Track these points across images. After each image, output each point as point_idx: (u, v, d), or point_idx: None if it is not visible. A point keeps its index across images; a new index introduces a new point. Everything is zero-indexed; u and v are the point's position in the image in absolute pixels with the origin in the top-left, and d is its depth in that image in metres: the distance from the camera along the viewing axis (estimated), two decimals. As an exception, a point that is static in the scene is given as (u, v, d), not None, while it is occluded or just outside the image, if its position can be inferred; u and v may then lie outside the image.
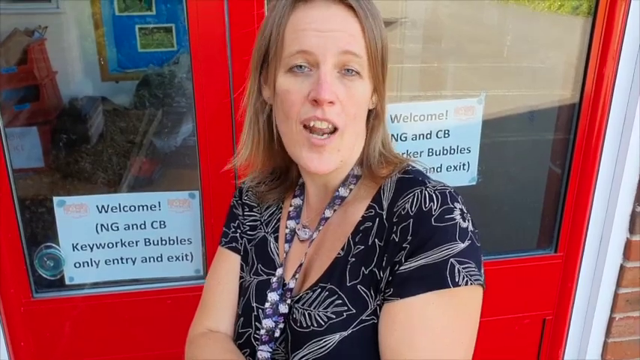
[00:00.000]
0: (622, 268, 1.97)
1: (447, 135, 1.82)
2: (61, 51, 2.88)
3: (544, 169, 2.08)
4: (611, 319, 2.03)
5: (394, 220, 0.92)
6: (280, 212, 1.13)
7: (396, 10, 2.24)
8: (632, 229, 1.92)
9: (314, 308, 0.95)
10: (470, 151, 1.85)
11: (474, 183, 1.89)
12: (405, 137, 1.78)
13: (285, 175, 1.13)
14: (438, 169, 1.84)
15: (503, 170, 2.19)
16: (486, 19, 2.39)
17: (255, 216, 1.16)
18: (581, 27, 1.87)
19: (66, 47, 2.92)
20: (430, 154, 1.82)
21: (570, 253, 2.00)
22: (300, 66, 0.92)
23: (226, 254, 1.16)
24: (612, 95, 1.82)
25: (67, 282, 1.72)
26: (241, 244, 1.15)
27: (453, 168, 1.86)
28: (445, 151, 1.84)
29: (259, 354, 1.00)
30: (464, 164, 1.86)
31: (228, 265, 1.14)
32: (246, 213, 1.17)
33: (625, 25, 1.75)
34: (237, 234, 1.16)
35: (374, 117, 1.02)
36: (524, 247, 2.05)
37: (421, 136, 1.81)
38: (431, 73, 2.29)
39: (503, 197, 2.20)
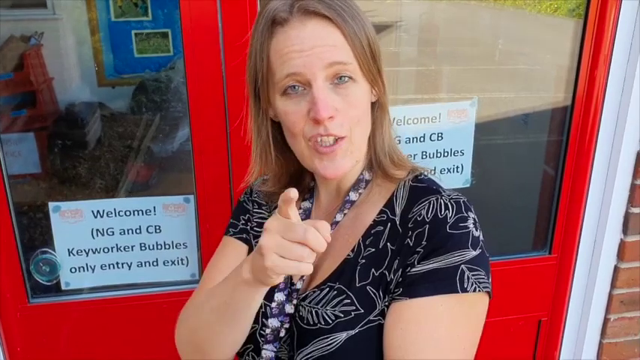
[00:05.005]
0: (616, 269, 1.98)
1: (440, 138, 1.83)
2: (57, 57, 2.89)
3: (538, 171, 2.09)
4: (606, 320, 2.04)
5: (409, 226, 0.94)
6: None
7: (391, 13, 2.25)
8: (625, 230, 1.93)
9: (321, 306, 0.96)
10: (463, 153, 1.86)
11: (468, 185, 1.90)
12: (399, 140, 1.78)
13: (298, 181, 1.13)
14: (432, 172, 1.84)
15: (497, 172, 2.19)
16: (482, 23, 2.41)
17: (264, 214, 1.16)
18: (575, 30, 1.88)
19: (62, 53, 2.92)
20: (424, 156, 1.83)
21: (565, 255, 2.01)
22: (294, 86, 0.93)
23: (235, 243, 1.14)
24: (604, 97, 1.83)
25: (63, 287, 1.72)
26: (250, 237, 1.15)
27: (446, 170, 1.87)
28: (439, 154, 1.85)
29: (264, 353, 1.01)
30: (457, 167, 1.88)
31: (237, 253, 1.13)
32: (255, 210, 1.18)
33: (616, 27, 1.76)
34: (247, 227, 1.16)
35: (377, 108, 1.03)
36: (518, 249, 2.06)
37: (415, 139, 1.82)
38: (426, 76, 2.30)
39: (498, 199, 2.21)
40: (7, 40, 2.61)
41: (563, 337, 2.10)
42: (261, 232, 1.11)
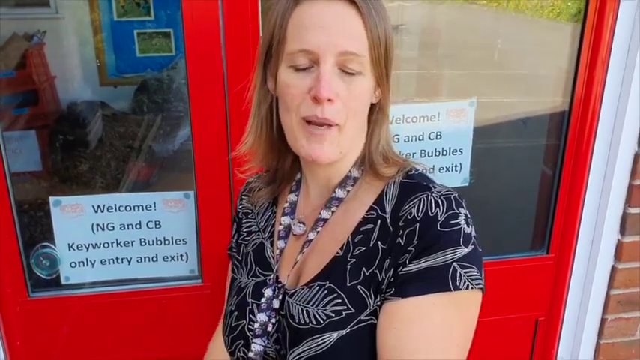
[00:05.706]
0: (613, 269, 1.98)
1: (439, 137, 1.84)
2: (59, 56, 2.90)
3: (536, 172, 2.10)
4: (602, 320, 2.04)
5: (400, 225, 0.93)
6: (275, 217, 1.15)
7: (394, 16, 2.26)
8: (623, 231, 1.94)
9: (312, 305, 0.96)
10: (462, 152, 1.87)
11: (467, 184, 1.91)
12: (398, 139, 1.80)
13: (275, 175, 1.14)
14: (430, 171, 1.86)
15: (497, 173, 2.20)
16: (484, 27, 2.42)
17: (251, 222, 1.19)
18: (574, 33, 1.89)
19: (65, 52, 2.93)
20: (422, 155, 1.84)
21: (562, 255, 2.01)
22: (303, 63, 0.93)
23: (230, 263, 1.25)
24: (602, 98, 1.84)
25: (63, 281, 1.73)
26: (239, 250, 1.20)
27: (445, 169, 1.88)
28: (437, 153, 1.86)
29: (253, 346, 1.02)
30: (456, 166, 1.89)
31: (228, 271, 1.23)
32: (243, 222, 1.21)
33: (614, 28, 1.77)
34: (234, 243, 1.23)
35: (378, 110, 1.03)
36: (516, 249, 2.07)
37: (413, 138, 1.83)
38: (426, 79, 2.31)
39: (496, 199, 2.22)
40: (10, 38, 2.62)
41: (560, 336, 2.10)
42: (250, 239, 1.17)
